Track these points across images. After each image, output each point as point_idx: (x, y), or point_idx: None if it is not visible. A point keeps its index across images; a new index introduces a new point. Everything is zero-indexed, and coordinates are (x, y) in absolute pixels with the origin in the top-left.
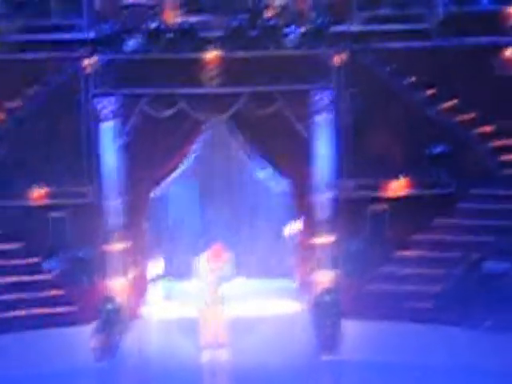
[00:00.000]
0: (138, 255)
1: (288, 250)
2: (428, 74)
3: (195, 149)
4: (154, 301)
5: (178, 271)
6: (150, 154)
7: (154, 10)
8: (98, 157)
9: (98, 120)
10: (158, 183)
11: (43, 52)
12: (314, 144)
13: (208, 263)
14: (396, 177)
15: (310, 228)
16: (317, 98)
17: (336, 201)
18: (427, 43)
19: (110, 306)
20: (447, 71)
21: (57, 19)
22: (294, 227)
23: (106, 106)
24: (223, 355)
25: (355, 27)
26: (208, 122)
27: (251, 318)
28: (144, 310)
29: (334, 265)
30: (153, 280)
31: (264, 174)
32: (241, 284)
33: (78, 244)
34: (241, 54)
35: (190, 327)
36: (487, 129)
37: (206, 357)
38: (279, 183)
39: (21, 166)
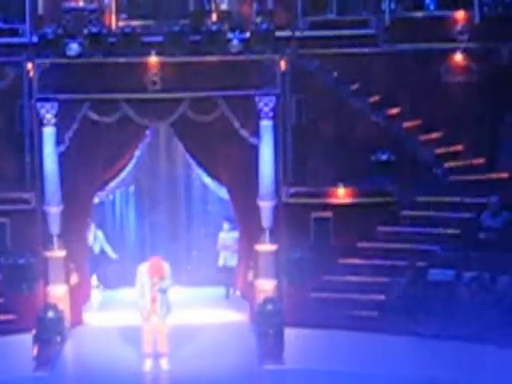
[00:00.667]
0: (79, 261)
1: (229, 258)
2: (374, 80)
3: (139, 154)
4: (93, 308)
5: (115, 279)
6: (93, 159)
7: (96, 14)
8: (40, 162)
9: (40, 125)
10: (100, 189)
11: None
12: (258, 150)
13: (147, 275)
14: (340, 184)
15: (253, 235)
16: (261, 103)
17: (279, 208)
18: (373, 49)
19: (50, 314)
20: (393, 77)
21: None
22: (233, 234)
23: (49, 110)
24: (164, 364)
25: (300, 32)
26: (152, 127)
27: (191, 326)
28: (85, 317)
29: (277, 273)
30: (94, 287)
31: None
32: (180, 292)
33: (18, 250)
34: (183, 58)
35: (130, 336)
36: (432, 136)
37: (146, 366)
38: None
39: None
